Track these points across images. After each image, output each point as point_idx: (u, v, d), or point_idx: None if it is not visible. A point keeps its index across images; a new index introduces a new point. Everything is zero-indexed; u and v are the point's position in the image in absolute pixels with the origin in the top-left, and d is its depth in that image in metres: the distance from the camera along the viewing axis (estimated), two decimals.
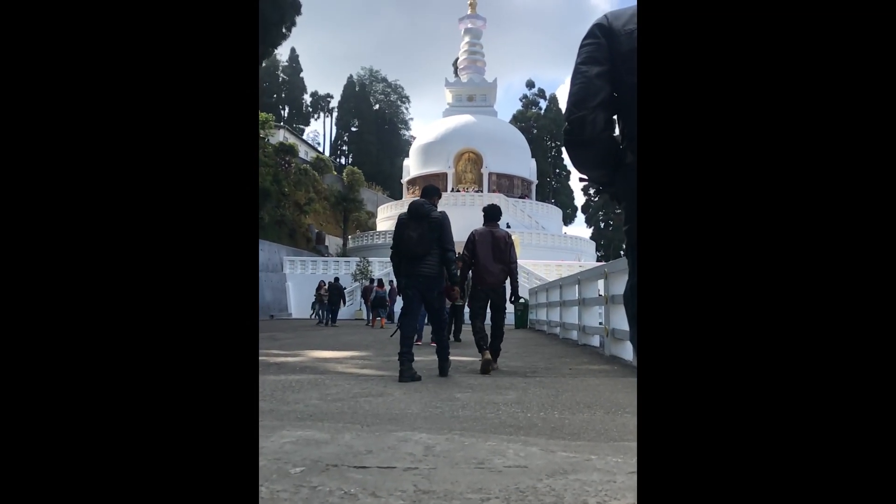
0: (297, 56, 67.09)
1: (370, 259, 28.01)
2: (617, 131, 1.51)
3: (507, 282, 5.70)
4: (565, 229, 44.64)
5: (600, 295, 7.90)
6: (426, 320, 5.96)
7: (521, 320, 15.85)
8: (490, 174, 40.25)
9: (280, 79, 65.35)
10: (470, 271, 5.78)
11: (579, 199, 57.63)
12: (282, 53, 62.85)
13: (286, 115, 64.95)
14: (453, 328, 9.20)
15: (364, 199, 44.52)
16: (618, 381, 4.65)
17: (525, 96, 61.04)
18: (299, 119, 67.02)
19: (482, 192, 38.36)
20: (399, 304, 6.20)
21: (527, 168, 42.44)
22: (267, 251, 27.72)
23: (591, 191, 53.20)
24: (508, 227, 27.47)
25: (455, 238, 4.97)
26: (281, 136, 43.36)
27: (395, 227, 4.99)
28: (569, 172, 57.27)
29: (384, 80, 71.61)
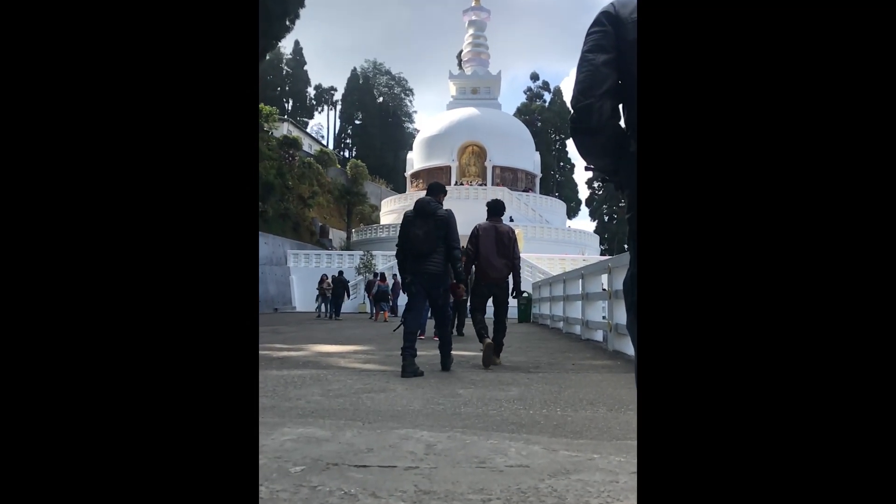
0: (301, 49, 66.87)
1: (374, 252, 28.01)
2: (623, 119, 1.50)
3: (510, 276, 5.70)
4: (569, 223, 44.45)
5: (604, 290, 7.89)
6: (429, 315, 5.96)
7: (524, 314, 15.87)
8: (494, 167, 40.06)
9: (284, 72, 65.10)
10: (473, 266, 5.78)
11: (583, 193, 57.46)
12: (286, 46, 62.82)
13: (290, 108, 64.80)
14: (456, 322, 9.20)
15: (368, 193, 44.39)
16: (621, 377, 4.64)
17: (529, 89, 61.02)
18: (303, 112, 66.87)
19: (486, 185, 38.19)
20: (403, 298, 6.20)
21: (531, 161, 42.23)
22: (271, 244, 27.73)
23: (596, 184, 53.18)
24: (512, 220, 27.42)
25: (459, 232, 4.97)
26: (285, 129, 43.25)
27: (401, 225, 5.00)
28: (573, 166, 57.10)
29: (388, 72, 71.30)
